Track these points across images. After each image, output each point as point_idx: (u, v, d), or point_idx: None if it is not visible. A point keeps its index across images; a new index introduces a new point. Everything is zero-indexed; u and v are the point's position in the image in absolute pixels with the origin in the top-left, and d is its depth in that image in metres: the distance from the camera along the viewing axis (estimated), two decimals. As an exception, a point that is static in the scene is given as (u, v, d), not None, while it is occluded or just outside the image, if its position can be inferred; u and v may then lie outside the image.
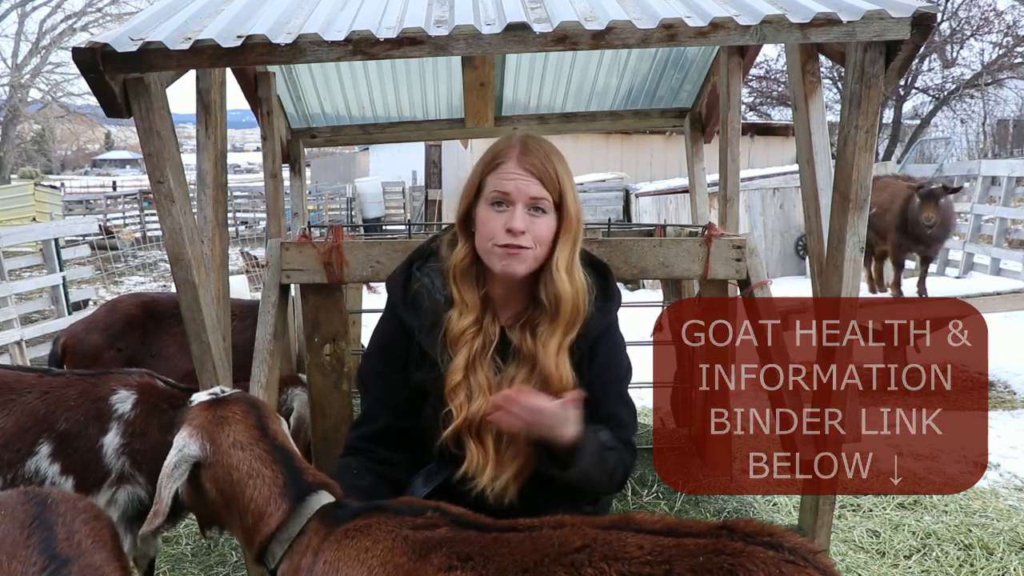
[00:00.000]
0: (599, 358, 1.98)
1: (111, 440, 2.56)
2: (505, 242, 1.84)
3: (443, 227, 2.18)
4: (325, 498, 1.70)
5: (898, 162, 14.96)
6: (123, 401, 2.60)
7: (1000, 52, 20.09)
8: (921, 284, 6.31)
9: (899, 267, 6.30)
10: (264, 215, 7.42)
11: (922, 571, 3.56)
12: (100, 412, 2.59)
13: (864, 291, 6.96)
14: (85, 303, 7.98)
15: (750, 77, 19.66)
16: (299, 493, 1.68)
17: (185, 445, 1.69)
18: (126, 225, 19.71)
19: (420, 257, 2.04)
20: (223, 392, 1.84)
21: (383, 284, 2.16)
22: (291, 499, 1.67)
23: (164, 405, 2.61)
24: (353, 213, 18.81)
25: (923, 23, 1.72)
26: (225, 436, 1.71)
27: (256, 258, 11.52)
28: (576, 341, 1.91)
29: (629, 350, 2.11)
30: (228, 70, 2.67)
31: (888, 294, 6.57)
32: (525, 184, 1.84)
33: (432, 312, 1.93)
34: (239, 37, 1.68)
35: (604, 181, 13.76)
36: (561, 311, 1.87)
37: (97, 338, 3.78)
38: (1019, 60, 20.35)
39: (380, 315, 2.08)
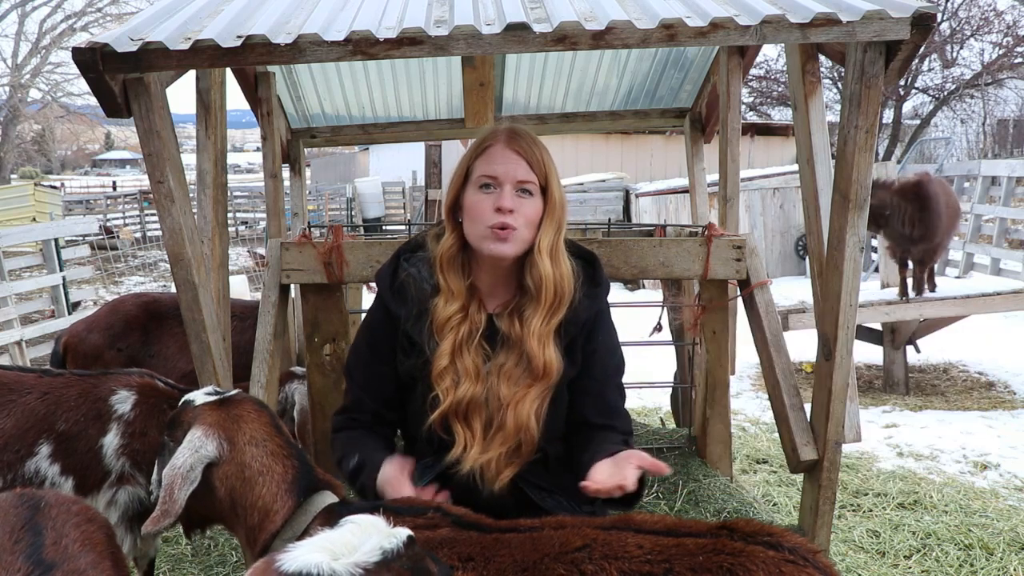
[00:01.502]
0: (598, 349, 2.00)
1: (111, 440, 2.55)
2: (495, 222, 1.86)
3: (437, 224, 2.19)
4: (329, 498, 1.70)
5: (898, 162, 14.96)
6: (123, 401, 2.60)
7: (1000, 52, 20.08)
8: (918, 285, 6.28)
9: (902, 266, 6.28)
10: (264, 215, 7.42)
11: (922, 571, 3.56)
12: (100, 412, 2.59)
13: (876, 289, 6.94)
14: (76, 305, 7.96)
15: (750, 77, 19.67)
16: (306, 489, 1.69)
17: (201, 445, 1.67)
18: (125, 225, 19.72)
19: (408, 249, 2.06)
20: (218, 392, 1.83)
21: None
22: (297, 495, 1.67)
23: (164, 406, 2.61)
24: (353, 213, 18.82)
25: (923, 23, 1.71)
26: (242, 434, 1.71)
27: (264, 257, 11.54)
28: (564, 326, 1.93)
29: (629, 350, 2.12)
30: (228, 70, 2.67)
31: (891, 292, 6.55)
32: (513, 166, 1.88)
33: (418, 300, 1.96)
34: (239, 37, 1.68)
35: (604, 181, 13.77)
36: (544, 293, 1.89)
37: (98, 338, 3.79)
38: (1019, 60, 20.34)
39: (368, 310, 2.10)
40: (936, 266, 7.48)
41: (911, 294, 6.25)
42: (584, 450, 1.94)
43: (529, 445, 1.92)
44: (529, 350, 1.89)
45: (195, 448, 1.67)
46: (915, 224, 5.84)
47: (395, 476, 1.87)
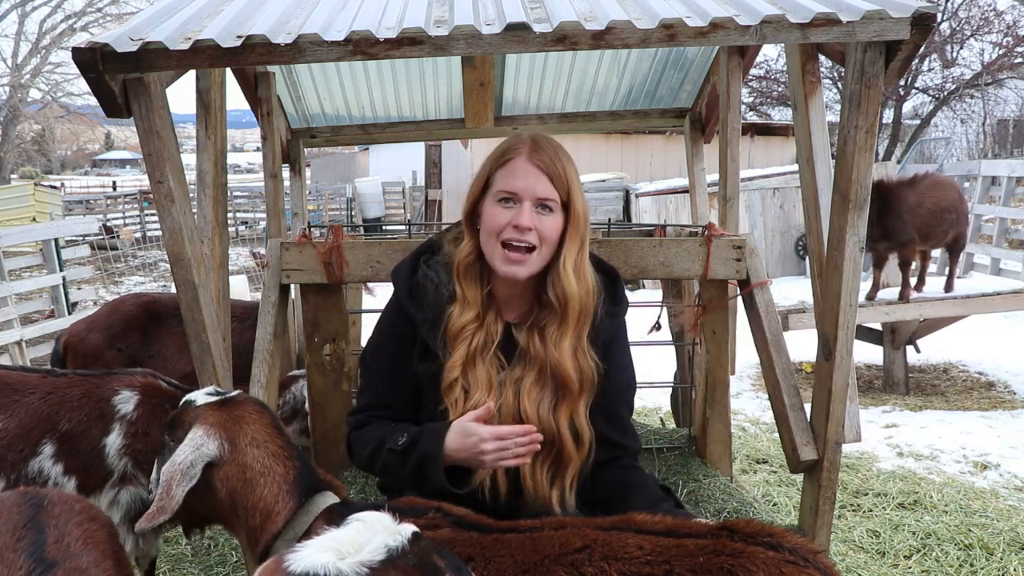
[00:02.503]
0: (613, 366, 1.98)
1: (113, 441, 2.56)
2: (510, 237, 1.83)
3: (443, 227, 2.17)
4: (331, 498, 1.70)
5: (898, 162, 14.97)
6: (126, 402, 2.60)
7: (1000, 52, 20.09)
8: (903, 286, 6.28)
9: (875, 264, 6.28)
10: (264, 215, 7.41)
11: (922, 571, 3.56)
12: (103, 413, 2.59)
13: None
14: (75, 305, 7.95)
15: (750, 77, 19.67)
16: (307, 490, 1.68)
17: (203, 444, 1.67)
18: (125, 225, 19.72)
19: (428, 250, 2.03)
20: (220, 392, 1.83)
21: (381, 286, 2.16)
22: (299, 496, 1.67)
23: (167, 406, 2.61)
24: (353, 213, 18.82)
25: (923, 23, 1.71)
26: (243, 435, 1.70)
27: (264, 256, 11.52)
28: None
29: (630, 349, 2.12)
30: (228, 70, 2.67)
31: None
32: (534, 181, 1.84)
33: (435, 306, 1.93)
34: (239, 37, 1.68)
35: (604, 181, 13.78)
36: (569, 311, 1.87)
37: (98, 338, 3.79)
38: (1019, 60, 20.35)
39: (385, 306, 2.07)
40: (934, 266, 7.50)
41: (910, 293, 6.25)
42: (615, 484, 1.97)
43: (569, 458, 1.89)
44: (562, 370, 1.87)
45: (196, 446, 1.67)
46: (872, 224, 5.85)
47: (466, 423, 1.79)
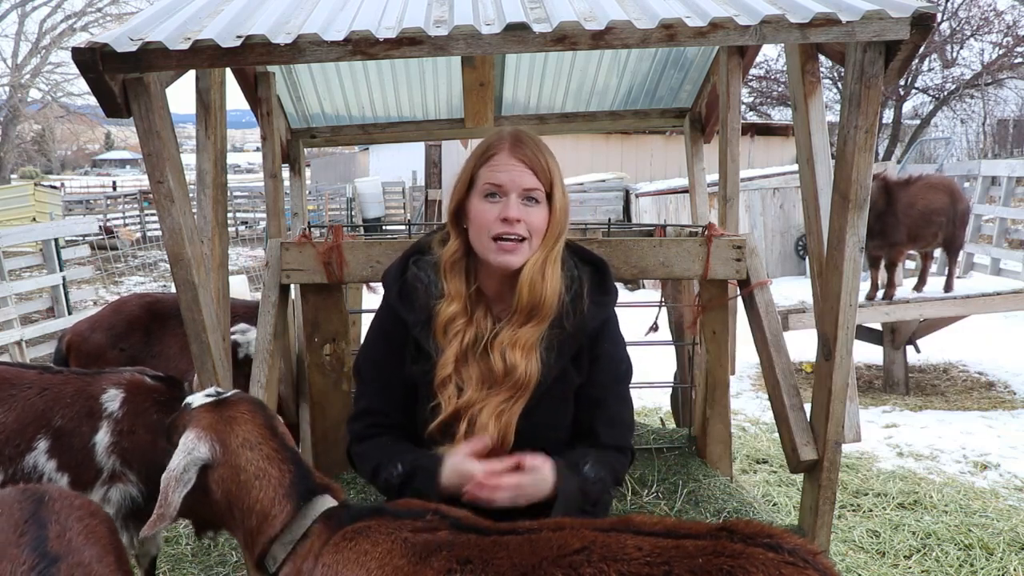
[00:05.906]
0: (601, 356, 1.98)
1: (102, 438, 2.58)
2: (500, 231, 1.84)
3: (442, 227, 2.17)
4: (329, 502, 1.69)
5: (898, 162, 14.97)
6: (112, 400, 2.62)
7: (1000, 52, 20.09)
8: (887, 285, 6.26)
9: (871, 265, 6.29)
10: (264, 215, 7.41)
11: (922, 571, 3.56)
12: (91, 410, 2.61)
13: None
14: (74, 306, 7.95)
15: (750, 77, 19.67)
16: (305, 493, 1.67)
17: (194, 447, 1.66)
18: (125, 225, 19.73)
19: (417, 252, 2.04)
20: (219, 392, 1.83)
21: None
22: (296, 500, 1.66)
23: (151, 402, 2.64)
24: (353, 213, 18.82)
25: (923, 23, 1.71)
26: (235, 436, 1.69)
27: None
28: (572, 335, 1.92)
29: (629, 350, 2.11)
30: (228, 70, 2.67)
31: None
32: (519, 174, 1.86)
33: (426, 306, 1.94)
34: (239, 37, 1.68)
35: (604, 181, 13.77)
36: (520, 303, 1.88)
37: (101, 337, 3.80)
38: (1019, 60, 20.35)
39: (376, 311, 2.08)
40: (935, 266, 7.50)
41: (895, 292, 6.25)
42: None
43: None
44: (504, 356, 1.87)
45: (188, 451, 1.66)
46: (871, 219, 5.85)
47: (460, 461, 1.80)
